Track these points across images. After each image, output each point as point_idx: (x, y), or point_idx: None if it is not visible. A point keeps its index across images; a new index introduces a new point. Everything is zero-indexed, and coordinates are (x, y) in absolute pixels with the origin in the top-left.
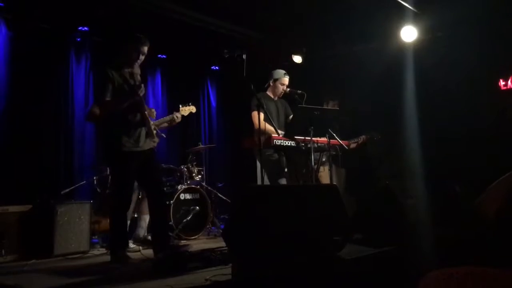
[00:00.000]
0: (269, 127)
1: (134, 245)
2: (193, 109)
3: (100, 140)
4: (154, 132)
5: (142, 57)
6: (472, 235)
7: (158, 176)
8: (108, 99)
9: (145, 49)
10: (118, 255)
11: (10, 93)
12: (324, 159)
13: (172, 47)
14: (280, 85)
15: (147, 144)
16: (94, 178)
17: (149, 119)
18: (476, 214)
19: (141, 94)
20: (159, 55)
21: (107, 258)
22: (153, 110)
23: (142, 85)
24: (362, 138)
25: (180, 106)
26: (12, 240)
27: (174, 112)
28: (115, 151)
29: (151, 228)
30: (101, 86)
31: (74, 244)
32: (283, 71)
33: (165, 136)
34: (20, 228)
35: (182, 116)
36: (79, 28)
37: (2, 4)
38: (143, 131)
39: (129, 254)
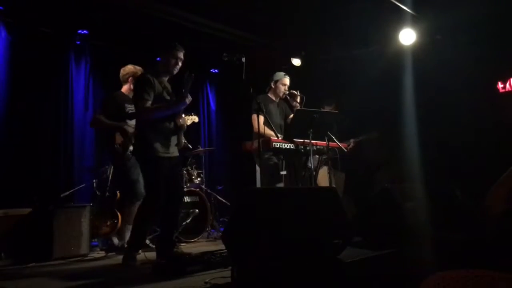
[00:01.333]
0: (268, 131)
1: None
2: (195, 119)
3: (133, 145)
4: (183, 142)
5: (180, 64)
6: (472, 237)
7: (181, 184)
8: (148, 105)
9: (182, 55)
10: (132, 255)
11: (10, 97)
12: (323, 162)
13: None
14: (281, 86)
15: (175, 150)
16: (94, 181)
17: (183, 127)
18: (483, 214)
19: (188, 103)
20: (158, 58)
21: (107, 261)
22: (185, 119)
23: (189, 95)
24: (351, 141)
25: (183, 115)
26: (12, 243)
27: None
28: (149, 156)
29: (160, 232)
30: (140, 92)
31: (73, 247)
32: (283, 73)
33: (191, 147)
34: (19, 232)
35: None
36: (79, 32)
37: (1, 8)
38: (174, 139)
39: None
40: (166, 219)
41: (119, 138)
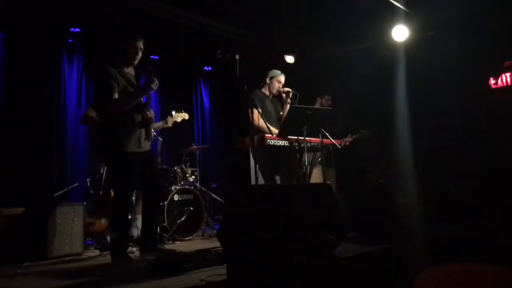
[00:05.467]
0: (263, 126)
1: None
2: (185, 116)
3: (98, 140)
4: (153, 134)
5: (140, 54)
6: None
7: (157, 177)
8: (115, 97)
9: (141, 44)
10: (119, 257)
11: (1, 95)
12: (317, 159)
13: (164, 48)
14: (276, 83)
15: (146, 145)
16: (88, 179)
17: (151, 120)
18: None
19: (155, 88)
20: (152, 56)
21: (101, 260)
22: (152, 112)
23: (156, 79)
24: (344, 141)
25: (173, 112)
26: (6, 242)
27: (168, 117)
28: (117, 151)
29: (141, 228)
30: (104, 86)
31: (68, 246)
32: (279, 71)
33: (161, 140)
34: (13, 231)
35: (175, 122)
36: (71, 30)
37: None
38: (143, 132)
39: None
40: (146, 216)
41: None
